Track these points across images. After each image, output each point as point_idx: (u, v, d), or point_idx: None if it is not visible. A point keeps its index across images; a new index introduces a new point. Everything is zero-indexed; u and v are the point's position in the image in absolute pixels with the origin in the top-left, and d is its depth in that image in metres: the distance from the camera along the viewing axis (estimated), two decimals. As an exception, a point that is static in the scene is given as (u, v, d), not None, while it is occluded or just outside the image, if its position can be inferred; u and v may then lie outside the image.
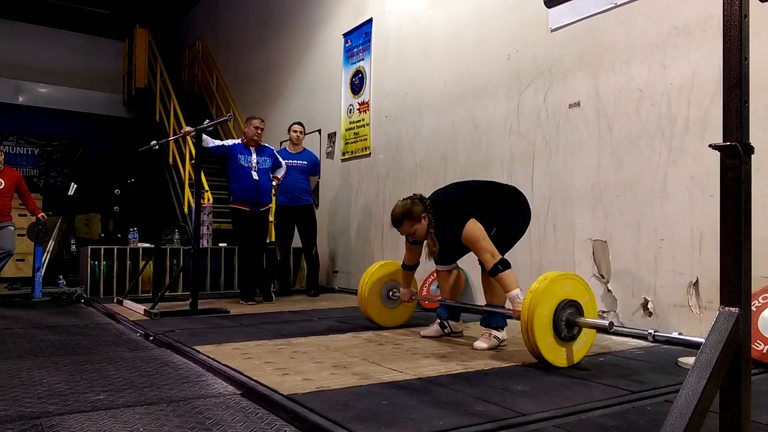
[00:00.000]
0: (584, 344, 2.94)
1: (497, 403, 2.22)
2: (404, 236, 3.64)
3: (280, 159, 5.96)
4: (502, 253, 3.31)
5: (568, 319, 2.85)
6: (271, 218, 6.64)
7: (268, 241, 6.31)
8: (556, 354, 2.83)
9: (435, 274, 5.05)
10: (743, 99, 1.44)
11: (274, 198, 6.51)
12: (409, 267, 3.86)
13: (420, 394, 2.33)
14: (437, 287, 5.06)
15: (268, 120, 8.67)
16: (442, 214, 3.43)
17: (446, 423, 1.97)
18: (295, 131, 6.34)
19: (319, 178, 6.57)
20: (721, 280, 1.48)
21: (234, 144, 5.58)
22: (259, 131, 5.61)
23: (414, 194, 3.54)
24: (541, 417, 2.07)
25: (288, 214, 6.21)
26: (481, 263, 3.36)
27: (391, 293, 4.09)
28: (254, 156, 5.56)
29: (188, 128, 5.28)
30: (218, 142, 5.55)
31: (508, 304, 3.31)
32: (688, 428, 1.29)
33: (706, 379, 1.35)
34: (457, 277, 3.82)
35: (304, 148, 6.45)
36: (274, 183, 5.92)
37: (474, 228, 3.29)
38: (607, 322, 2.81)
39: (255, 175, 5.50)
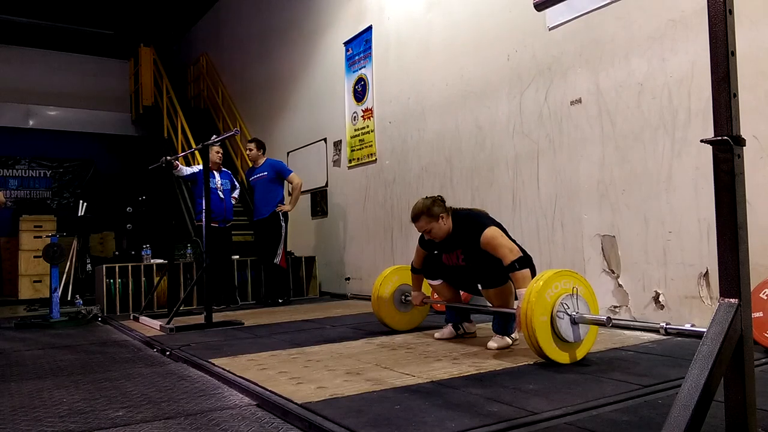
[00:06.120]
0: (587, 340, 2.94)
1: (509, 402, 2.23)
2: (418, 236, 3.73)
3: (236, 182, 6.81)
4: None
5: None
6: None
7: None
8: (559, 352, 2.84)
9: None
10: (732, 92, 1.46)
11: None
12: (419, 270, 3.89)
13: (432, 397, 2.35)
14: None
15: (274, 131, 8.80)
16: (464, 219, 3.53)
17: (458, 425, 1.99)
18: (247, 149, 6.87)
19: (291, 180, 6.59)
20: (720, 271, 1.49)
21: (201, 169, 6.08)
22: (220, 155, 6.45)
23: (438, 195, 3.64)
24: (552, 415, 2.08)
25: (255, 228, 6.81)
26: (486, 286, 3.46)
27: (404, 297, 4.12)
28: (218, 178, 6.36)
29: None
30: (191, 170, 6.38)
31: (517, 303, 3.33)
32: (691, 420, 1.31)
33: (708, 371, 1.37)
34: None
35: (266, 159, 6.70)
36: (233, 202, 6.69)
37: (492, 230, 3.35)
38: (605, 318, 2.81)
39: (221, 195, 6.31)
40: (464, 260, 3.57)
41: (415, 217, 3.55)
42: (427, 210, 3.49)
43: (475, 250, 3.40)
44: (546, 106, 4.52)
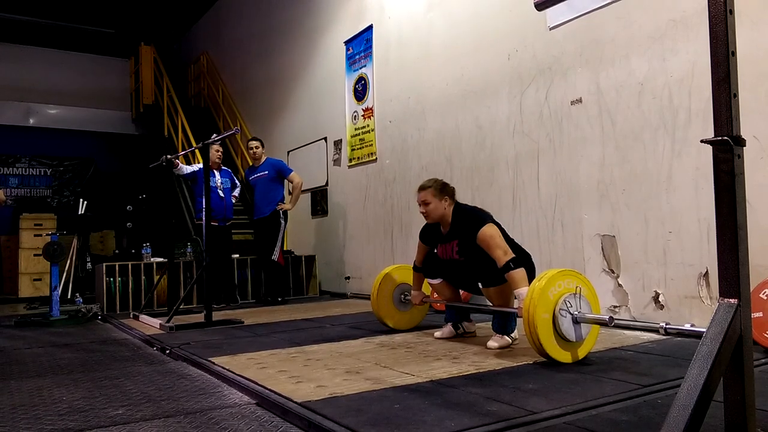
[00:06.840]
0: (588, 340, 2.94)
1: (508, 402, 2.24)
2: (418, 235, 3.77)
3: (236, 181, 6.80)
4: None
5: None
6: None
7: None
8: (560, 351, 2.85)
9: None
10: (732, 93, 1.46)
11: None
12: (420, 268, 3.89)
13: (432, 397, 2.36)
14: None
15: (274, 130, 8.80)
16: (465, 212, 3.57)
17: (457, 424, 1.99)
18: (250, 147, 6.72)
19: (291, 179, 6.61)
20: (720, 272, 1.50)
21: (201, 168, 6.05)
22: (220, 153, 6.41)
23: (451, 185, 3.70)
24: (551, 414, 2.08)
25: (255, 227, 6.77)
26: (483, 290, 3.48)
27: (403, 296, 4.13)
28: (218, 176, 6.35)
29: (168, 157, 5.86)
30: (191, 168, 6.39)
31: (517, 303, 3.33)
32: (690, 420, 1.31)
33: (707, 371, 1.37)
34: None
35: (266, 158, 6.69)
36: (233, 201, 6.62)
37: (491, 228, 3.36)
38: (607, 317, 2.82)
39: (221, 193, 6.32)
40: (459, 253, 3.57)
41: (423, 186, 3.62)
42: (438, 186, 3.58)
43: (470, 243, 3.42)
44: (546, 105, 4.52)
